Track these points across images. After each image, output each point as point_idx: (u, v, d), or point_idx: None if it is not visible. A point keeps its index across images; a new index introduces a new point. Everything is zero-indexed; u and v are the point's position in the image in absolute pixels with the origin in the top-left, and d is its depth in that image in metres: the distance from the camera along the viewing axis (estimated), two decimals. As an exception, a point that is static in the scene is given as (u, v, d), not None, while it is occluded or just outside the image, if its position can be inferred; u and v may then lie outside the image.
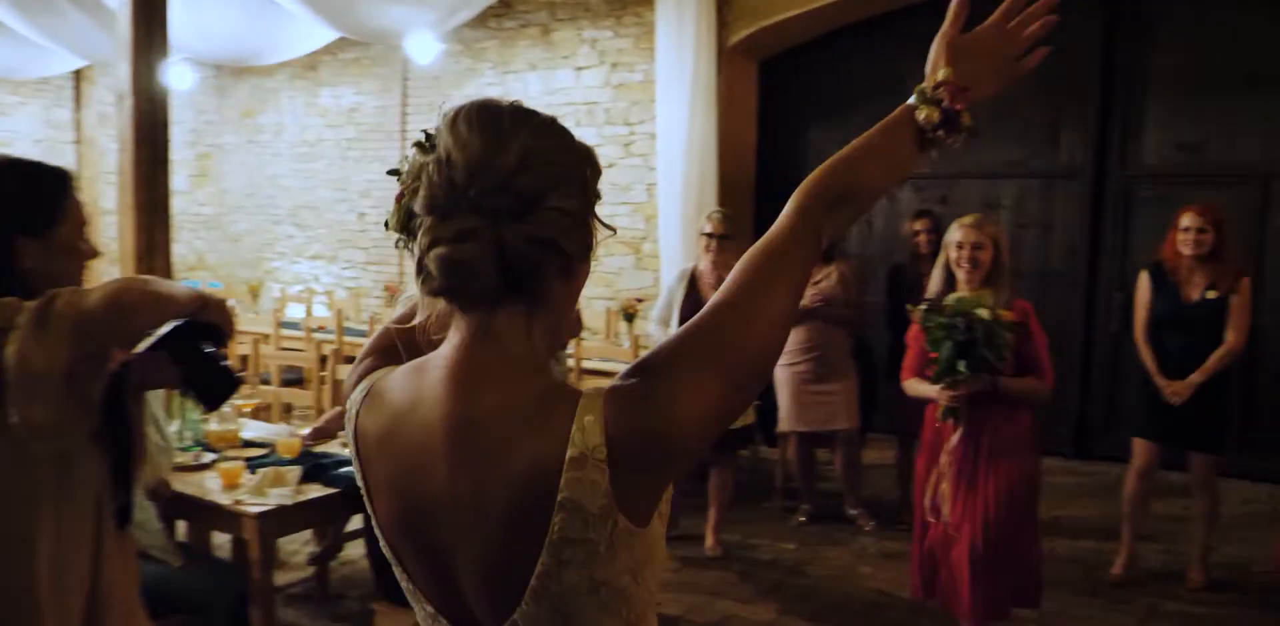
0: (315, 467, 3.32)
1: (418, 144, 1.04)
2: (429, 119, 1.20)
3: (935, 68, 1.21)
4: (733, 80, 6.91)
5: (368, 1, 6.44)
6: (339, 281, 9.05)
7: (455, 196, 1.00)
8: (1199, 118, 6.20)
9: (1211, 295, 4.14)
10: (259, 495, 3.12)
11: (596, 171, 1.09)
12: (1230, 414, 4.40)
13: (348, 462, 3.28)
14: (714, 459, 4.81)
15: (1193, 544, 4.41)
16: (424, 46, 7.11)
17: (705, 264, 4.78)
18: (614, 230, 1.13)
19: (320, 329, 6.95)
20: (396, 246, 1.07)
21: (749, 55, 7.08)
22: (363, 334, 6.78)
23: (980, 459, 3.37)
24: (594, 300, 7.11)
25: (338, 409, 3.99)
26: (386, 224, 1.07)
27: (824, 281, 4.90)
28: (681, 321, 4.72)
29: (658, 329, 4.91)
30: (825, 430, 5.06)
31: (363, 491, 1.14)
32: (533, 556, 1.00)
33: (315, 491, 3.21)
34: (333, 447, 3.71)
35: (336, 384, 4.75)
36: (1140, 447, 4.33)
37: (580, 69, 7.40)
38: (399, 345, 1.20)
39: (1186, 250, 4.15)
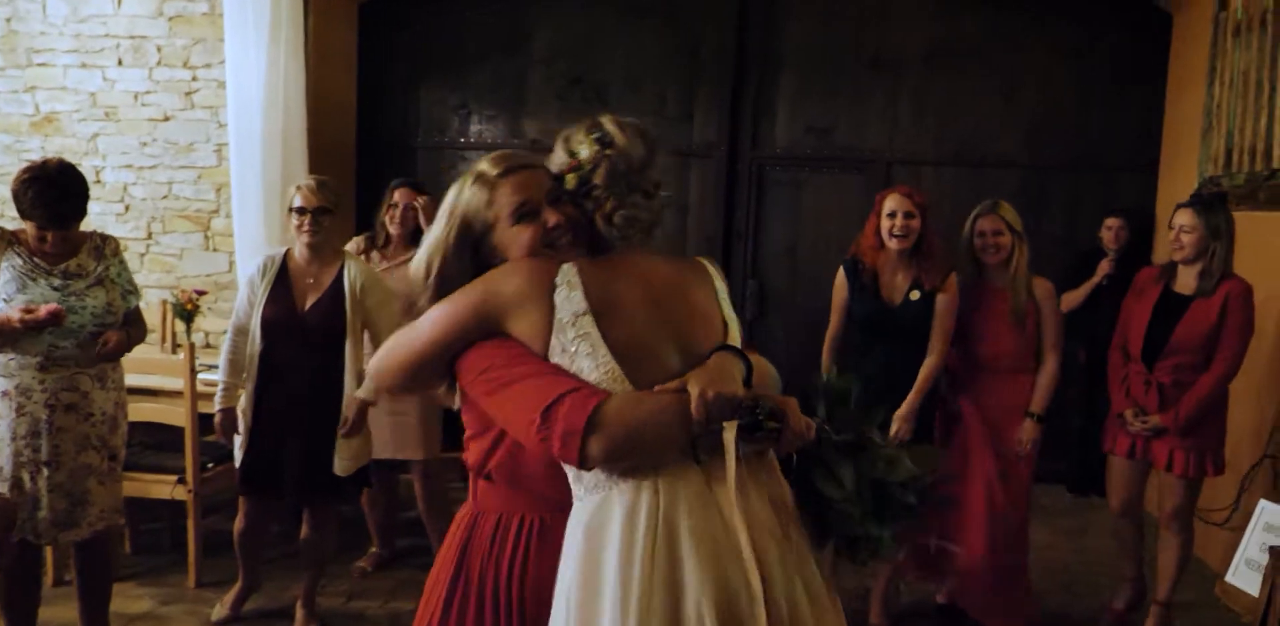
0: None
1: (597, 140, 1.70)
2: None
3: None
4: (326, 24, 5.77)
5: None
6: None
7: (630, 179, 1.70)
8: (827, 100, 6.05)
9: (915, 296, 3.65)
10: None
11: None
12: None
13: None
14: (310, 506, 3.71)
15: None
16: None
17: (300, 248, 3.63)
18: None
19: None
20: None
21: (347, -5, 6.00)
22: None
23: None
24: (148, 290, 5.60)
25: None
26: (562, 181, 1.71)
27: None
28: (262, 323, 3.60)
29: (230, 339, 3.65)
30: (398, 459, 4.17)
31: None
32: None
33: None
34: None
35: None
36: None
37: (123, -7, 5.79)
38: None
39: (894, 242, 3.62)
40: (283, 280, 3.58)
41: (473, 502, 1.81)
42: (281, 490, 3.57)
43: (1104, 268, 5.20)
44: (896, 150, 6.02)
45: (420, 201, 4.10)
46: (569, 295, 1.60)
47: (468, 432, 1.78)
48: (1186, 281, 3.65)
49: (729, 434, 1.54)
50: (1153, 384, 3.62)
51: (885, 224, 3.63)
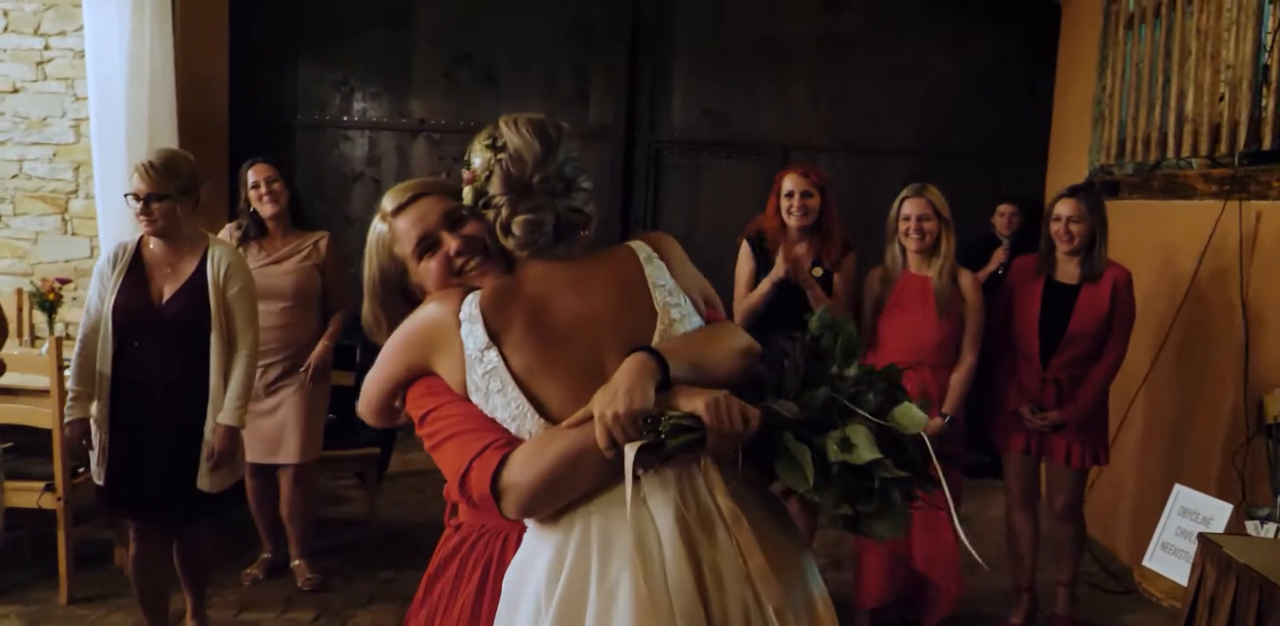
0: None
1: (489, 146, 1.58)
2: None
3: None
4: (194, -8, 5.36)
5: None
6: None
7: (525, 181, 1.56)
8: (722, 84, 5.99)
9: (817, 273, 3.63)
10: None
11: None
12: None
13: None
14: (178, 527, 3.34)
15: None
16: None
17: (153, 239, 3.16)
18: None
19: None
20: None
21: (216, -38, 5.63)
22: None
23: None
24: (-2, 277, 5.13)
25: None
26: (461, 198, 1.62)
27: None
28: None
29: (81, 341, 3.17)
30: (270, 463, 3.90)
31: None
32: None
33: None
34: None
35: None
36: None
37: (-38, -50, 5.27)
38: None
39: (793, 220, 3.61)
40: (136, 269, 3.12)
41: (451, 530, 1.74)
42: (146, 508, 3.17)
43: (999, 256, 5.24)
44: (792, 136, 5.99)
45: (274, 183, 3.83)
46: (471, 330, 1.54)
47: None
48: (1068, 270, 3.61)
49: (628, 457, 1.43)
50: (1048, 380, 3.58)
51: (784, 203, 3.62)
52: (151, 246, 3.16)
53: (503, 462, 1.47)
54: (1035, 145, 5.92)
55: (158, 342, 3.10)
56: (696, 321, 1.63)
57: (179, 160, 3.14)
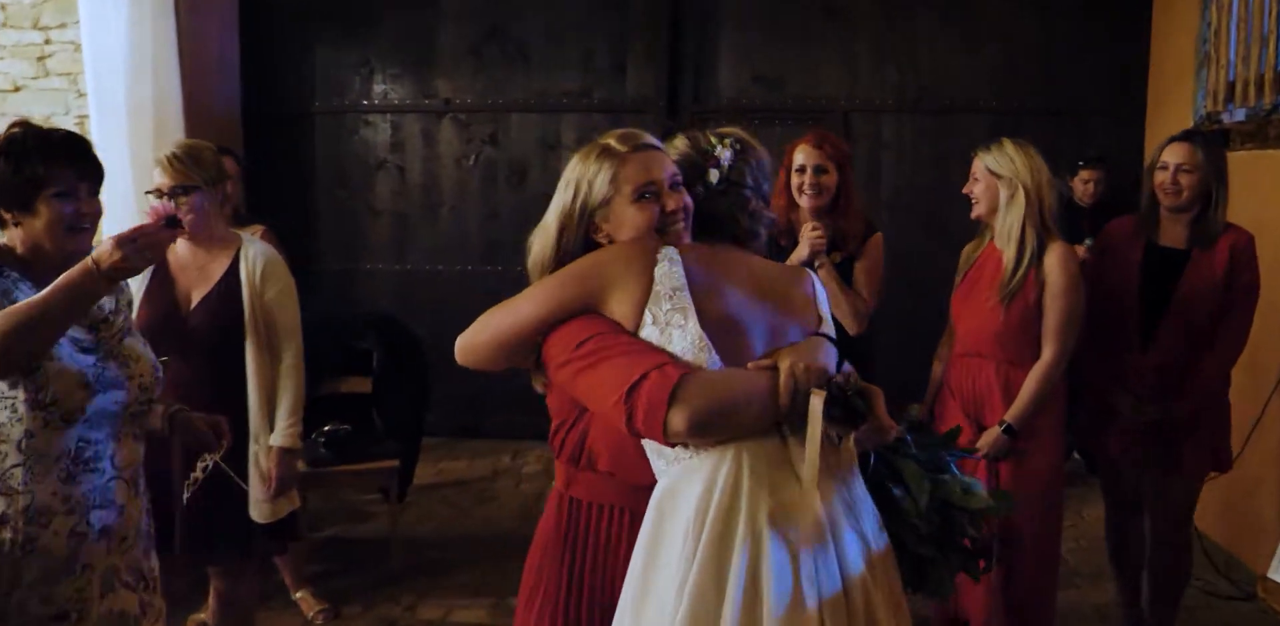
0: None
1: (731, 145, 1.82)
2: None
3: None
4: (199, -27, 5.07)
5: None
6: None
7: (758, 185, 1.83)
8: (776, 47, 5.55)
9: (835, 259, 3.13)
10: None
11: None
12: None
13: None
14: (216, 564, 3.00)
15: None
16: None
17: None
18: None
19: None
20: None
21: (220, -62, 5.33)
22: None
23: None
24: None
25: None
26: (702, 171, 1.79)
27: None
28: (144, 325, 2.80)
29: None
30: None
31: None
32: None
33: None
34: None
35: None
36: None
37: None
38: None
39: (805, 200, 3.12)
40: (161, 274, 2.83)
41: (562, 487, 1.85)
42: (171, 544, 2.75)
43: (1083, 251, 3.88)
44: (854, 98, 5.51)
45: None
46: (669, 269, 1.64)
47: (555, 421, 1.82)
48: (1174, 232, 3.05)
49: (815, 401, 1.52)
50: (1150, 366, 3.02)
51: (795, 179, 3.14)
52: (178, 247, 2.82)
53: (684, 377, 1.51)
54: (1128, 97, 5.32)
55: (184, 352, 2.76)
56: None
57: (203, 150, 2.85)
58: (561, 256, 1.74)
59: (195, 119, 4.89)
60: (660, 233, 1.72)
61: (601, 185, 1.73)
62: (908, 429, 1.82)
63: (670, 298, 1.62)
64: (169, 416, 2.27)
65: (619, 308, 1.64)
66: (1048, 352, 2.88)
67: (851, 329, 3.05)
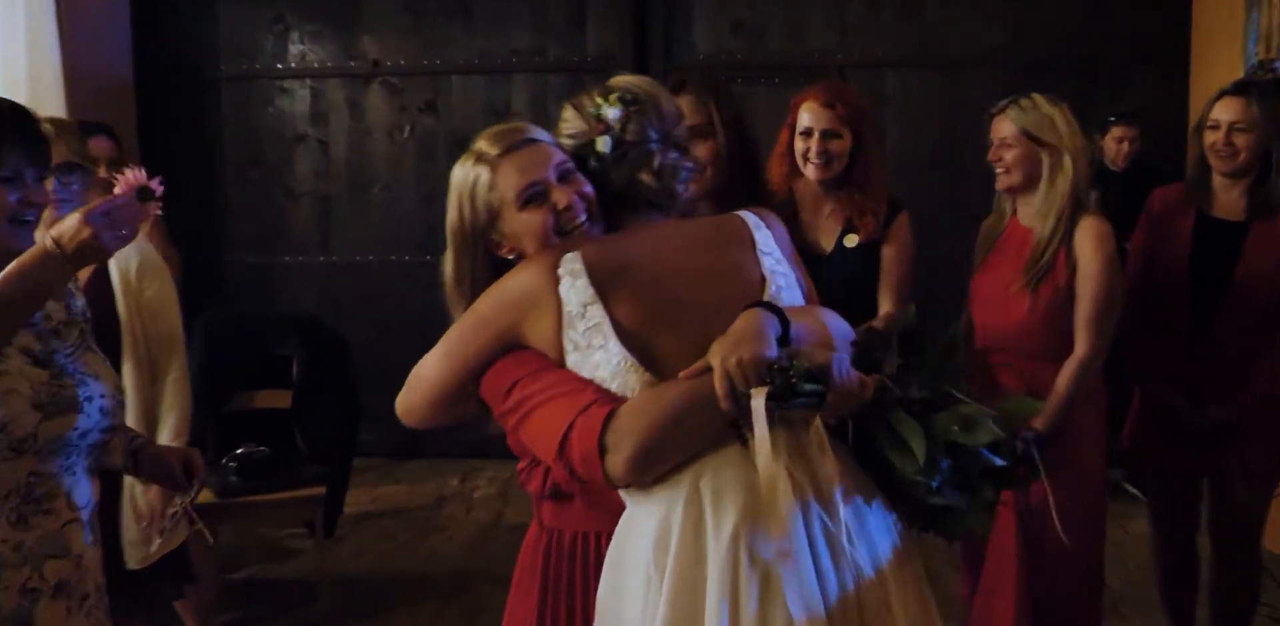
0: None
1: (620, 99, 1.63)
2: None
3: None
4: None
5: None
6: None
7: (665, 131, 1.65)
8: None
9: (851, 242, 2.76)
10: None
11: None
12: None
13: None
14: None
15: None
16: None
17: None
18: None
19: None
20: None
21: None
22: None
23: None
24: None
25: None
26: (590, 149, 1.64)
27: None
28: None
29: None
30: None
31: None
32: None
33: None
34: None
35: None
36: None
37: None
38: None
39: (812, 170, 2.71)
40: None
41: (539, 524, 1.79)
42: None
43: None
44: (849, 51, 5.26)
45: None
46: (574, 284, 1.56)
47: (521, 462, 1.79)
48: (1229, 202, 2.88)
49: (756, 403, 1.44)
50: (1205, 357, 2.87)
51: (799, 144, 2.74)
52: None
53: (610, 416, 1.47)
54: (1168, 44, 5.03)
55: None
56: (797, 295, 1.67)
57: (69, 125, 2.66)
58: (473, 283, 1.68)
59: (77, 89, 4.66)
60: (563, 234, 1.62)
61: (483, 198, 1.65)
62: (898, 365, 1.67)
63: (582, 316, 1.56)
64: (132, 450, 2.04)
65: (539, 341, 1.59)
66: (1082, 346, 2.68)
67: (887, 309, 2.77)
